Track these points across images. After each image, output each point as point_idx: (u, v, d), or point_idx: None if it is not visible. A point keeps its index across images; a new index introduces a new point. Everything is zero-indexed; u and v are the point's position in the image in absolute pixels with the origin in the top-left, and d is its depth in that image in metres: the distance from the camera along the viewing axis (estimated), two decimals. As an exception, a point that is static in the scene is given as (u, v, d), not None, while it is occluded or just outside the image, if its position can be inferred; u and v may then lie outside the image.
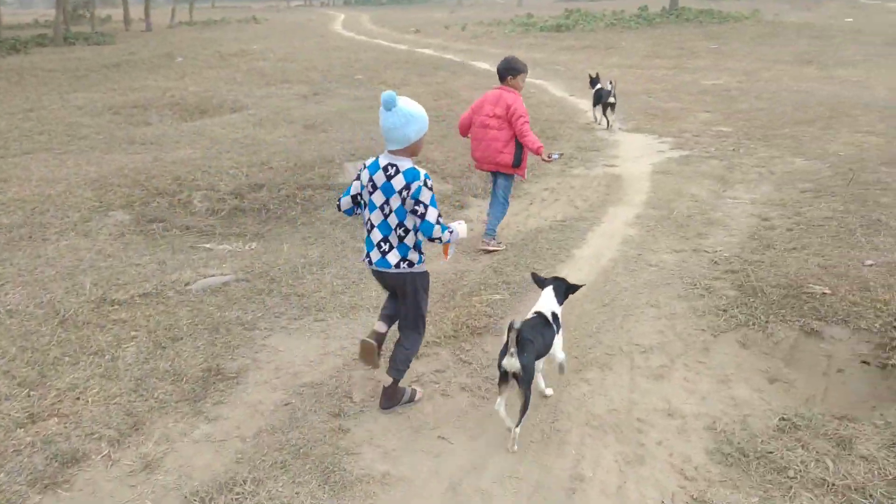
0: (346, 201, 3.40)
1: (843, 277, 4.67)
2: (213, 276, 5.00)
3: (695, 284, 4.79)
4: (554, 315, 3.37)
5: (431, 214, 3.16)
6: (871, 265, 4.88)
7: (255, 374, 3.74)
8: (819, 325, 4.09)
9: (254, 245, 5.81)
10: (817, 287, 4.53)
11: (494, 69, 5.83)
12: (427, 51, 23.02)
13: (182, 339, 4.04)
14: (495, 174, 5.76)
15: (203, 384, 3.59)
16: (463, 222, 3.37)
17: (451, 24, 31.45)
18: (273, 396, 3.53)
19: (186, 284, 4.81)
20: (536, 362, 3.21)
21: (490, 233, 5.69)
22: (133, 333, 4.09)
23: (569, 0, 64.85)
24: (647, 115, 11.05)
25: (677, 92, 12.99)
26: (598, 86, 10.26)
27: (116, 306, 4.45)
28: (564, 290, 3.53)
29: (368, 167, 3.29)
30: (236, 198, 6.78)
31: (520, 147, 5.55)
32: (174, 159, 7.89)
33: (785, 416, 3.24)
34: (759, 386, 3.61)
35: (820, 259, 5.04)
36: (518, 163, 5.61)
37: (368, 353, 3.43)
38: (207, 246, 5.78)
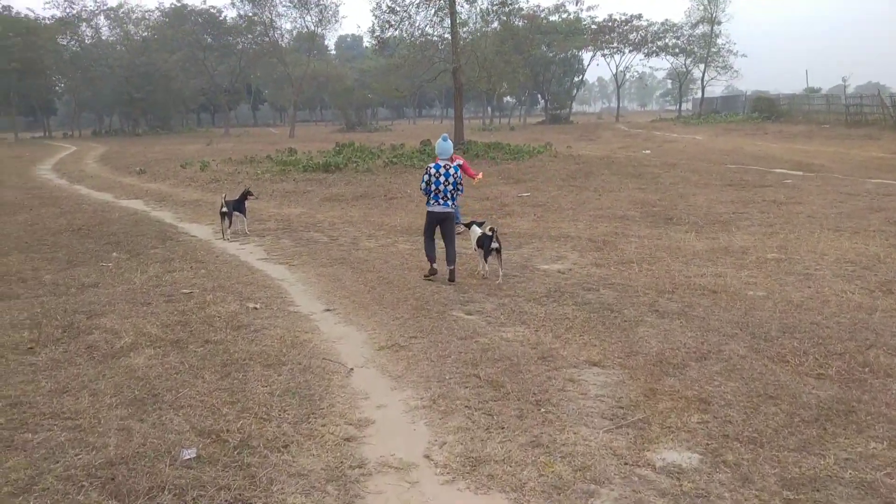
0: (423, 187, 8.10)
1: None
2: None
3: None
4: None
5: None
6: None
7: None
8: None
9: None
10: None
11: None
12: (134, 203, 15.99)
13: None
14: None
15: None
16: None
17: (192, 162, 24.73)
18: None
19: None
20: None
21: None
22: None
23: (345, 132, 61.73)
24: (468, 376, 5.13)
25: (510, 296, 7.40)
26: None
27: None
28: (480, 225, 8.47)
29: (434, 167, 8.00)
30: None
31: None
32: None
33: None
34: None
35: None
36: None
37: (432, 273, 8.14)
38: None
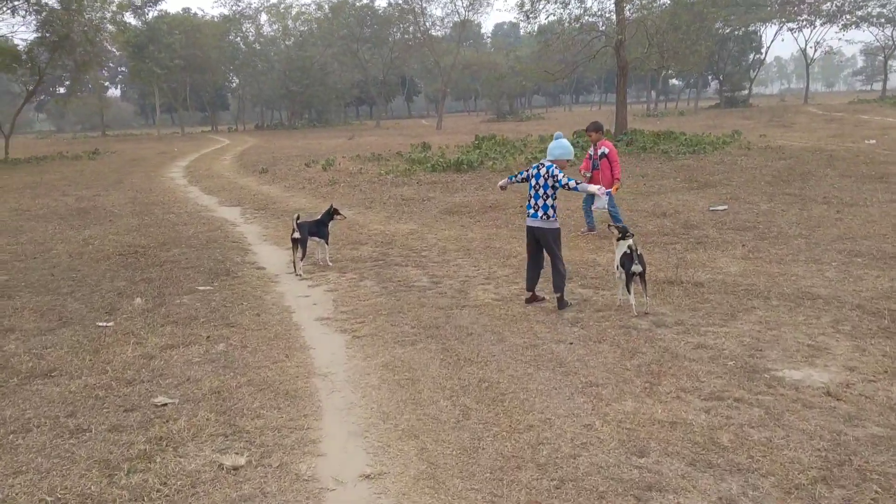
0: (519, 178, 6.64)
1: None
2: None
3: None
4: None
5: (563, 178, 6.11)
6: None
7: None
8: None
9: None
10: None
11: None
12: (230, 212, 13.61)
13: None
14: None
15: None
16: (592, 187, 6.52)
17: (320, 159, 22.49)
18: None
19: None
20: None
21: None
22: None
23: (496, 121, 58.42)
24: None
25: (738, 471, 3.59)
26: None
27: None
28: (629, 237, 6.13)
29: (534, 167, 6.44)
30: None
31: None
32: None
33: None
34: None
35: None
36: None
37: (532, 299, 6.52)
38: None
